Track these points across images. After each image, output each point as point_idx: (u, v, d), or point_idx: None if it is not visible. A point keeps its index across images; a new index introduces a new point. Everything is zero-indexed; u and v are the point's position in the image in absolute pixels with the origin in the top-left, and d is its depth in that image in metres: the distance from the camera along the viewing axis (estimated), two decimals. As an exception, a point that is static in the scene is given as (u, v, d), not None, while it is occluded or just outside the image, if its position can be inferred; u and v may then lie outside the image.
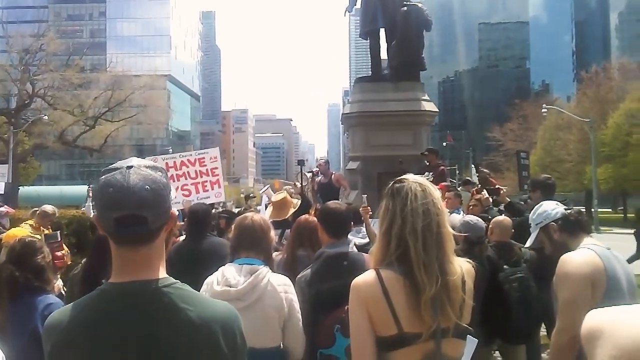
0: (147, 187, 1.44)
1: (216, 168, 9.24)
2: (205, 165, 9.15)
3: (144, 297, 1.45)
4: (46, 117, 37.08)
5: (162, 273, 1.51)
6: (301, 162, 8.81)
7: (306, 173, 8.66)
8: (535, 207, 3.46)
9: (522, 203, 6.94)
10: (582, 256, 2.83)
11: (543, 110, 41.13)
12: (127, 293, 1.45)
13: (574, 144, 43.28)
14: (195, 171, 9.09)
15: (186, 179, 9.02)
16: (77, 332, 1.43)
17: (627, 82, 45.09)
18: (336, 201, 4.83)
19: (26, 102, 38.77)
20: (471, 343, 2.03)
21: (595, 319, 1.27)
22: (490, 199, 7.08)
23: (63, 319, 1.47)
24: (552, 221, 3.25)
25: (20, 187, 36.54)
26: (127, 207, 1.41)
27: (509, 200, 6.92)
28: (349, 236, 3.65)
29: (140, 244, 1.47)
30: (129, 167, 1.47)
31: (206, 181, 9.09)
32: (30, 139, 38.62)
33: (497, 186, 7.38)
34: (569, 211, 3.18)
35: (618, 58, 67.94)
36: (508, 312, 4.53)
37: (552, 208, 3.30)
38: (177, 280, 1.52)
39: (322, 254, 3.37)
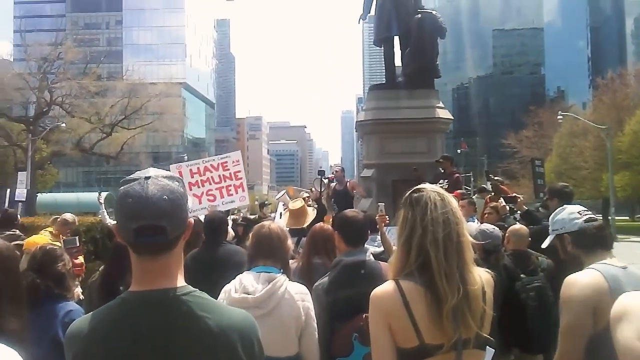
0: (165, 197, 1.46)
1: (239, 171, 9.16)
2: (229, 169, 9.07)
3: (163, 305, 1.46)
4: (64, 125, 37.43)
5: (181, 281, 1.53)
6: (321, 173, 8.82)
7: (323, 179, 8.67)
8: (557, 210, 3.22)
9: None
10: (586, 278, 2.64)
11: (559, 117, 40.72)
12: (147, 302, 1.47)
13: (590, 151, 42.83)
14: (219, 175, 9.01)
15: (210, 184, 8.95)
16: (97, 342, 1.45)
17: (643, 88, 44.66)
18: (353, 209, 4.81)
19: (44, 109, 39.18)
20: (489, 353, 2.01)
21: (622, 302, 1.33)
22: (507, 207, 7.03)
23: (84, 328, 1.49)
24: (568, 232, 2.96)
25: (38, 194, 36.94)
26: (146, 217, 1.43)
27: (526, 208, 6.83)
28: (365, 244, 3.64)
29: (159, 253, 1.49)
30: (147, 178, 1.49)
31: (230, 185, 9.01)
32: (48, 147, 39.04)
33: (514, 194, 7.30)
34: (588, 224, 2.90)
35: (634, 64, 67.23)
36: (525, 321, 4.49)
37: (571, 217, 2.99)
38: (196, 289, 1.53)
39: (339, 262, 3.37)
